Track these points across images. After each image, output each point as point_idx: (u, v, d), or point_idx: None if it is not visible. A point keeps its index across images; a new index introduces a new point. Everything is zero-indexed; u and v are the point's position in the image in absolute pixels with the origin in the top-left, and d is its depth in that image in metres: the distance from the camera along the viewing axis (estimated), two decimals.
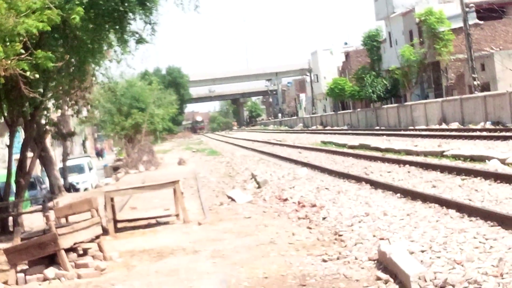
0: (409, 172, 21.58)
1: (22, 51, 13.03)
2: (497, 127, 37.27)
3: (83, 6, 15.52)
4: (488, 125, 39.53)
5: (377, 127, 62.46)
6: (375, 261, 10.94)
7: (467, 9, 56.00)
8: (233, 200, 22.40)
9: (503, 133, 31.03)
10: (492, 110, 41.67)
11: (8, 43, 13.26)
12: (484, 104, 42.86)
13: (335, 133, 61.71)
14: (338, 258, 11.86)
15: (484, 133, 33.22)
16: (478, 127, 39.36)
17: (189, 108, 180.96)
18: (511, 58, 54.80)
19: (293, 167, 30.15)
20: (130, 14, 19.06)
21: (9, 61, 12.83)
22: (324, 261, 11.83)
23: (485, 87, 52.92)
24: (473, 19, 58.18)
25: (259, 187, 25.09)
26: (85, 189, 39.08)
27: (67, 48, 17.82)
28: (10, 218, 21.13)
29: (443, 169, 20.30)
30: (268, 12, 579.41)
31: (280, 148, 47.12)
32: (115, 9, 18.05)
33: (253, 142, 66.03)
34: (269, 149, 47.31)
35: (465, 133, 35.16)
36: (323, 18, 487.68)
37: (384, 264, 10.43)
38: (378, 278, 10.05)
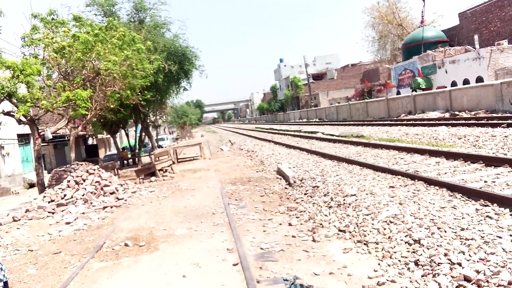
0: (288, 138, 21.59)
1: (139, 93, 12.68)
2: (320, 121, 37.62)
3: (163, 75, 15.19)
4: (317, 120, 39.80)
5: (276, 121, 62.39)
6: (276, 171, 11.05)
7: (309, 76, 56.14)
8: (222, 150, 22.27)
9: (323, 122, 31.37)
10: (319, 114, 41.85)
11: (133, 90, 12.93)
12: (315, 112, 43.12)
13: (260, 124, 61.51)
14: (262, 170, 11.93)
15: (315, 123, 33.51)
16: (313, 121, 39.66)
17: (204, 116, 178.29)
18: (327, 95, 55.46)
19: (244, 137, 30.05)
20: (181, 79, 18.79)
21: (134, 97, 12.49)
22: (257, 172, 11.88)
23: (316, 106, 53.30)
24: (311, 80, 58.36)
25: (232, 144, 24.94)
26: (165, 147, 38.35)
27: (156, 91, 17.44)
28: (136, 158, 20.90)
29: (300, 137, 20.34)
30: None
31: (239, 130, 46.82)
32: (175, 77, 17.74)
33: (228, 128, 65.46)
34: (234, 130, 47.04)
35: (308, 123, 35.32)
36: (254, 78, 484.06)
37: (280, 172, 10.54)
38: (277, 178, 10.18)
